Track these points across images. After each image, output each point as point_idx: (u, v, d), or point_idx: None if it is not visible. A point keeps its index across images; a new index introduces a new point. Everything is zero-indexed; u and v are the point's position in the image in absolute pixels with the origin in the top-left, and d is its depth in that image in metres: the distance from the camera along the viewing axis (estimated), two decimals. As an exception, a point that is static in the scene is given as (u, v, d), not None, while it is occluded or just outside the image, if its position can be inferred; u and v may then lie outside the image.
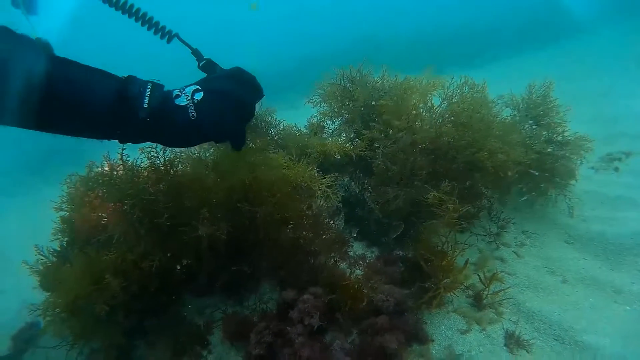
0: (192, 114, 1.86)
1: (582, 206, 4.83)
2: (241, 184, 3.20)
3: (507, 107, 5.07)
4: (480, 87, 3.86)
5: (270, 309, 3.35)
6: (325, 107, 4.93)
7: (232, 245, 3.34)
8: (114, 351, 3.13)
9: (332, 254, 3.64)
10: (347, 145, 4.56)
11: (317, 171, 4.89)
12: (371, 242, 3.94)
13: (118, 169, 3.31)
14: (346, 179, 4.31)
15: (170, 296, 3.45)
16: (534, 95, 4.92)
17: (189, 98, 1.90)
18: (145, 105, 1.75)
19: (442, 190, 3.25)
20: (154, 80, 1.91)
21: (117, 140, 1.95)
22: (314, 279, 3.27)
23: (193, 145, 2.17)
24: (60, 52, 2.01)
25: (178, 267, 3.46)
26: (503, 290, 3.46)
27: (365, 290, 3.21)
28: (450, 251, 3.19)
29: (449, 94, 3.84)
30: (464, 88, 3.79)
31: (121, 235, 3.15)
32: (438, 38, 20.58)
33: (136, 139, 1.97)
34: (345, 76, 4.69)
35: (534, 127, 4.85)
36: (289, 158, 3.73)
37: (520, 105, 5.04)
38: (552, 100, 4.87)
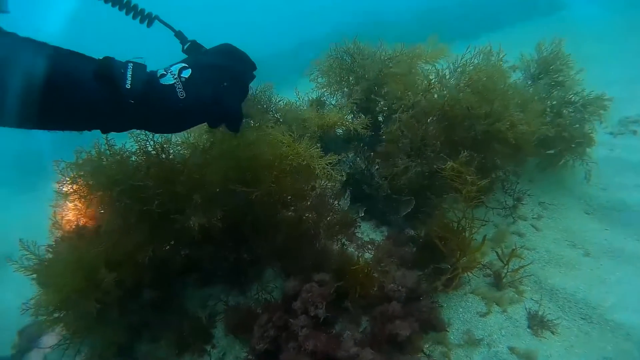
0: (181, 92, 1.59)
1: (601, 173, 4.42)
2: (237, 164, 2.87)
3: (514, 70, 4.61)
4: (495, 54, 3.42)
5: (275, 299, 3.06)
6: (324, 81, 4.52)
7: (230, 231, 3.04)
8: (112, 348, 2.88)
9: (339, 237, 3.33)
10: (349, 118, 4.17)
11: (319, 149, 4.55)
12: (380, 222, 3.60)
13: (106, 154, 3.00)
14: (351, 155, 3.94)
15: (171, 288, 3.18)
16: (544, 53, 4.44)
17: (175, 76, 1.63)
18: (128, 86, 1.51)
19: (460, 160, 2.87)
20: (135, 60, 1.63)
21: (99, 130, 1.68)
22: (319, 265, 2.97)
23: (185, 129, 1.87)
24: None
25: (177, 257, 3.17)
26: (523, 267, 3.12)
27: (375, 274, 2.91)
28: (468, 228, 2.84)
29: (463, 62, 3.41)
30: (479, 57, 3.36)
31: (109, 224, 2.86)
32: (435, 15, 19.81)
33: (120, 127, 1.68)
34: (345, 50, 4.27)
35: (548, 88, 4.39)
36: (289, 135, 3.36)
37: (531, 67, 4.58)
38: (565, 56, 4.40)
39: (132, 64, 1.60)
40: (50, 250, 3.17)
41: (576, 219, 3.91)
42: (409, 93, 3.47)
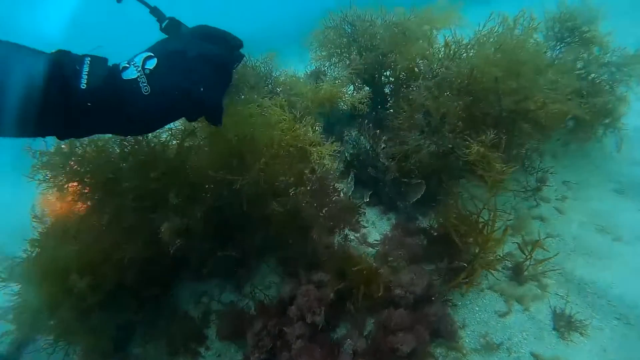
0: (145, 87, 1.33)
1: (634, 145, 3.88)
2: (227, 148, 2.45)
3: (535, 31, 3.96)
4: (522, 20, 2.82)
5: (271, 298, 2.73)
6: (325, 53, 3.97)
7: (215, 227, 2.66)
8: (98, 354, 2.61)
9: (341, 227, 2.94)
10: (349, 91, 3.65)
11: (319, 129, 4.06)
12: (387, 207, 3.18)
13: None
14: (354, 133, 3.46)
15: (160, 286, 2.87)
16: (566, 9, 3.78)
17: (139, 69, 1.36)
18: (84, 86, 1.27)
19: (486, 142, 2.38)
20: (94, 54, 1.38)
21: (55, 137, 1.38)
22: (318, 262, 2.59)
23: (157, 128, 1.51)
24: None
25: (163, 255, 2.82)
26: (547, 259, 2.70)
27: (382, 271, 2.53)
28: (490, 221, 2.40)
29: (484, 29, 2.83)
30: (500, 23, 2.77)
31: (83, 222, 2.51)
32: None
33: (78, 132, 1.40)
34: (343, 19, 3.69)
35: (576, 49, 3.76)
36: (290, 113, 2.87)
37: (555, 26, 3.92)
38: (593, 11, 3.74)
39: (89, 58, 1.32)
40: (27, 249, 2.86)
41: (605, 199, 3.42)
42: (423, 61, 2.92)
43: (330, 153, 2.83)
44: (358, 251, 2.74)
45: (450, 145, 2.69)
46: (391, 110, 3.61)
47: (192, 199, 2.46)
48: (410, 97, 2.98)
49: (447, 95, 2.76)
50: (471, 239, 2.42)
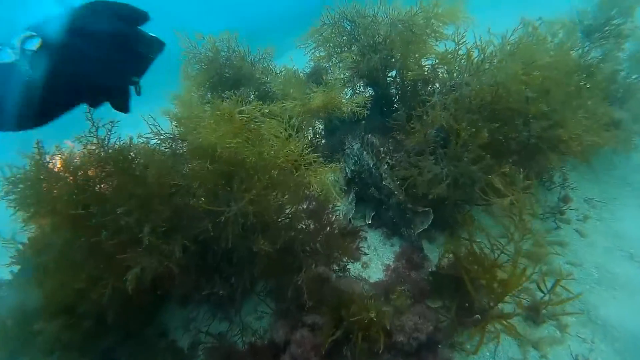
0: (26, 70, 1.19)
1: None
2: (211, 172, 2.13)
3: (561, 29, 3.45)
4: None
5: (263, 330, 2.44)
6: (323, 53, 3.54)
7: (199, 258, 2.36)
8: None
9: (338, 256, 2.59)
10: (349, 98, 3.23)
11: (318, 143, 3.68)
12: (391, 231, 2.83)
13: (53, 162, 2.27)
14: (356, 146, 3.08)
15: (144, 317, 2.61)
16: None
17: (16, 50, 1.20)
18: None
19: (513, 177, 2.00)
20: None
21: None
22: (312, 298, 2.28)
23: (51, 118, 1.26)
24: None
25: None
26: (568, 300, 2.33)
27: (383, 310, 2.21)
28: (509, 267, 2.04)
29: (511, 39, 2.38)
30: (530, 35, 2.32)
31: (53, 261, 2.22)
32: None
33: None
34: (342, 15, 3.24)
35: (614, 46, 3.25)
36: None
37: (585, 19, 3.40)
38: None
39: None
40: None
41: (634, 219, 3.01)
42: (439, 68, 2.50)
43: (330, 174, 2.51)
44: (357, 286, 2.42)
45: (470, 179, 2.29)
46: (398, 120, 3.20)
47: (171, 233, 2.15)
48: (424, 116, 2.57)
49: (468, 116, 2.33)
50: (484, 282, 2.07)
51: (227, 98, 2.36)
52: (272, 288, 2.52)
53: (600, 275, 2.62)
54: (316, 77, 3.58)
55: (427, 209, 2.51)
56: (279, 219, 2.32)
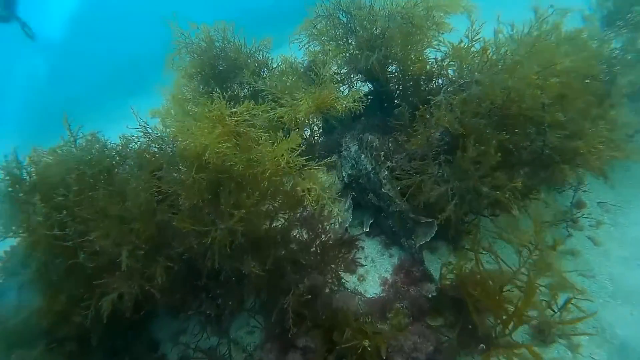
0: None
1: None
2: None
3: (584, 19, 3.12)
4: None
5: (252, 348, 2.29)
6: (318, 47, 3.26)
7: (184, 277, 2.18)
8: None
9: (333, 267, 2.40)
10: (346, 95, 2.97)
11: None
12: (390, 240, 2.62)
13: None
14: (354, 148, 2.84)
15: (131, 336, 2.46)
16: None
17: None
18: None
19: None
20: None
21: None
22: (305, 317, 2.11)
23: None
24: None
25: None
26: (580, 320, 2.11)
27: (379, 338, 2.02)
28: (523, 300, 1.82)
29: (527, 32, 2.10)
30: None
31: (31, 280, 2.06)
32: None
33: None
34: (338, 7, 2.95)
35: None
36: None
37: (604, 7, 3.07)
38: None
39: None
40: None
41: (650, 225, 2.76)
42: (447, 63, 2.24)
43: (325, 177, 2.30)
44: (352, 302, 2.23)
45: (477, 193, 2.05)
46: (400, 120, 2.94)
47: (153, 254, 1.97)
48: (427, 116, 2.32)
49: (475, 121, 2.08)
50: (488, 305, 1.86)
51: (217, 96, 2.16)
52: (263, 304, 2.35)
53: (615, 288, 2.39)
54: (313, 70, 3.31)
55: (430, 220, 2.29)
56: (270, 236, 2.13)
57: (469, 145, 1.99)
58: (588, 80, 1.98)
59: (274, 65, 3.95)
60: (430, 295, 2.08)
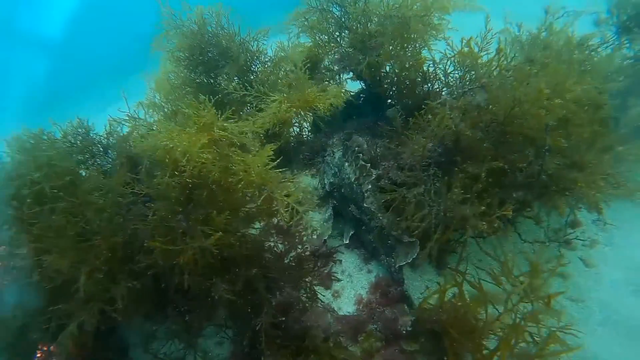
0: None
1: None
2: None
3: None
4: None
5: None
6: (308, 40, 2.99)
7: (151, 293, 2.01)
8: None
9: (308, 280, 2.21)
10: (329, 92, 2.71)
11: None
12: (369, 254, 2.41)
13: None
14: (337, 154, 2.61)
15: (99, 346, 2.31)
16: None
17: None
18: None
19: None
20: None
21: None
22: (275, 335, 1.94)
23: None
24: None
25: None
26: (565, 352, 1.93)
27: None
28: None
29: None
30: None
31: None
32: None
33: None
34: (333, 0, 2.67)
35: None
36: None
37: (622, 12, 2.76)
38: None
39: None
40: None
41: (648, 246, 2.55)
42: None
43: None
44: (323, 321, 2.05)
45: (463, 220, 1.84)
46: (391, 121, 2.70)
47: (115, 273, 1.80)
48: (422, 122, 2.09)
49: (473, 132, 1.85)
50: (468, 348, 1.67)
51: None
52: (232, 319, 2.18)
53: (604, 316, 2.20)
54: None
55: (413, 239, 2.08)
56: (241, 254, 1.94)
57: (459, 178, 1.77)
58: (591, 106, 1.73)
59: (270, 54, 3.64)
60: (404, 331, 1.89)
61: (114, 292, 1.70)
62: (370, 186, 2.26)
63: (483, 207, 1.84)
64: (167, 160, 2.03)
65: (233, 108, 2.39)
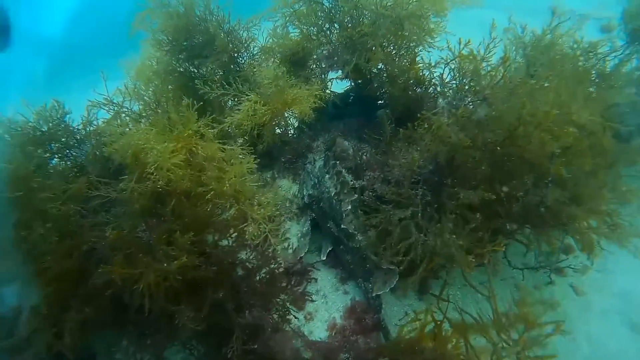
0: None
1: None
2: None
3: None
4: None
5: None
6: (296, 33, 2.70)
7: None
8: None
9: (279, 301, 2.03)
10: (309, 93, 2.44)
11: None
12: (346, 273, 2.21)
13: None
14: (318, 164, 2.38)
15: None
16: None
17: None
18: None
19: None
20: None
21: None
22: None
23: None
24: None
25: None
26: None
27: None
28: None
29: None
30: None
31: None
32: None
33: None
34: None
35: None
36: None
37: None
38: None
39: None
40: None
41: (642, 274, 2.38)
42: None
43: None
44: (290, 347, 1.88)
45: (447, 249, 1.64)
46: (381, 123, 2.46)
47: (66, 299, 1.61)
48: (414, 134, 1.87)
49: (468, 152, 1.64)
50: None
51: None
52: (199, 340, 2.02)
53: (591, 350, 2.05)
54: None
55: (393, 267, 1.87)
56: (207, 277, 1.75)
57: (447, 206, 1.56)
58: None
59: (260, 41, 3.32)
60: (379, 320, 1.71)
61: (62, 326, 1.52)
62: (350, 206, 2.04)
63: (473, 242, 1.64)
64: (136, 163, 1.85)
65: (213, 116, 2.17)
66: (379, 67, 2.68)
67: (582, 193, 1.66)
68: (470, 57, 2.00)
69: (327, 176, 2.20)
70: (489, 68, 1.95)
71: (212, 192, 1.86)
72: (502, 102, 1.72)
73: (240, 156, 2.01)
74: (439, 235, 1.66)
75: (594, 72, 2.53)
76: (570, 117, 1.68)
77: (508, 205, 1.65)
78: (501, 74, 1.88)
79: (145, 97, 3.32)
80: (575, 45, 2.42)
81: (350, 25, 2.42)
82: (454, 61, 2.13)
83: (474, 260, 1.59)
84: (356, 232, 2.00)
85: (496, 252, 1.60)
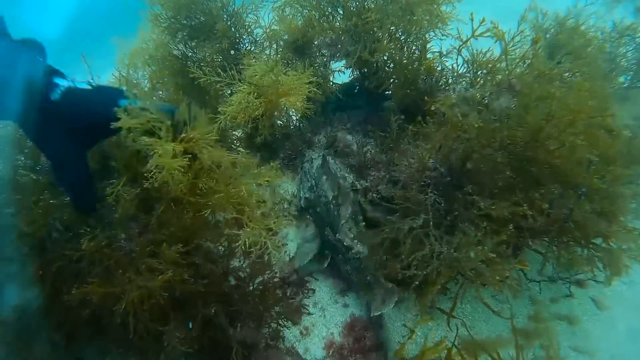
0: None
1: None
2: None
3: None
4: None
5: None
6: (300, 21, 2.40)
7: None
8: None
9: (274, 315, 1.84)
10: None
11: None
12: (345, 285, 1.99)
13: None
14: (316, 163, 2.13)
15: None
16: None
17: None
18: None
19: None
20: None
21: None
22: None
23: None
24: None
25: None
26: None
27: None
28: None
29: None
30: None
31: None
32: None
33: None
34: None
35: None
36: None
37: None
38: None
39: None
40: None
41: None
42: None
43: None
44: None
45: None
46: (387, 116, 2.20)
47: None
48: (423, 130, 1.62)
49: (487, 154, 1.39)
50: None
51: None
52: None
53: (618, 372, 1.83)
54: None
55: (391, 285, 1.65)
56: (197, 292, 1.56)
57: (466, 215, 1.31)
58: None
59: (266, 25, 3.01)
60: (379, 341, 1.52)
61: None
62: (349, 212, 1.81)
63: (494, 256, 1.42)
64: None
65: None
66: (387, 55, 2.38)
67: (614, 207, 1.41)
68: (497, 32, 1.69)
69: (324, 177, 1.96)
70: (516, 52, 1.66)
71: (213, 205, 1.64)
72: (532, 91, 1.43)
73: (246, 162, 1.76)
74: (460, 248, 1.43)
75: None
76: (606, 120, 1.41)
77: (532, 220, 1.40)
78: (529, 59, 1.59)
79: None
80: (608, 29, 2.10)
81: (355, 8, 2.11)
82: (469, 41, 1.84)
83: (499, 278, 1.36)
84: (355, 243, 1.77)
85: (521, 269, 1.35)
